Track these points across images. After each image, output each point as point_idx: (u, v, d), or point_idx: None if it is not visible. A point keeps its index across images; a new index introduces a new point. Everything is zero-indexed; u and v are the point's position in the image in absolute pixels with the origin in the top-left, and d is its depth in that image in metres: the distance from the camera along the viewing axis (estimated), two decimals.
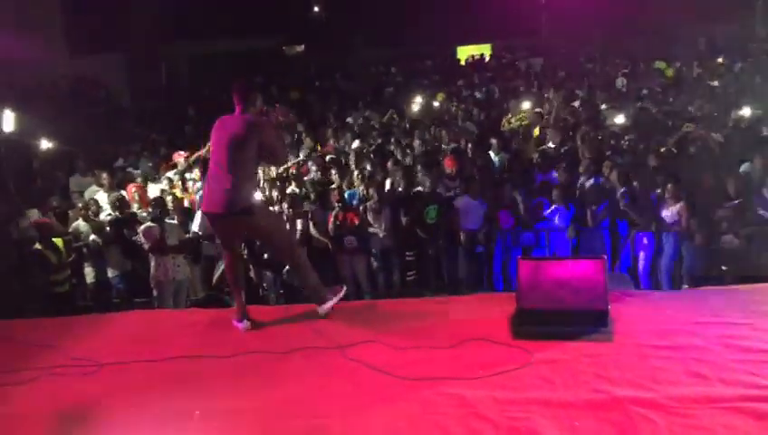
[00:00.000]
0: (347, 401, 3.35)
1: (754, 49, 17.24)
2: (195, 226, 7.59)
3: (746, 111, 9.83)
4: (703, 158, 8.03)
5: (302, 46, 31.06)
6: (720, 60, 15.69)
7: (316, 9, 31.92)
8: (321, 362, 3.79)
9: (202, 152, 8.58)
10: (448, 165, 8.39)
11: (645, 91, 12.77)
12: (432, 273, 7.35)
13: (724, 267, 6.55)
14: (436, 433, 3.03)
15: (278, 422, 3.22)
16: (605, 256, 3.99)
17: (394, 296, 7.14)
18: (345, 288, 4.46)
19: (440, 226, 7.30)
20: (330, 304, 4.33)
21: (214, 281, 6.94)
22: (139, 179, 9.46)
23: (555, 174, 7.91)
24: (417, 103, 12.99)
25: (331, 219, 7.13)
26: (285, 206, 7.44)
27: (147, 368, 3.84)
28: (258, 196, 4.38)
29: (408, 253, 7.39)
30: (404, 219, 7.42)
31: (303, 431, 3.13)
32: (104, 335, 4.45)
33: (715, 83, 13.53)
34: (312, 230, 7.28)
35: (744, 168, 7.40)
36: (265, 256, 7.08)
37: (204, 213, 4.37)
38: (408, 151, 9.45)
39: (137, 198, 8.83)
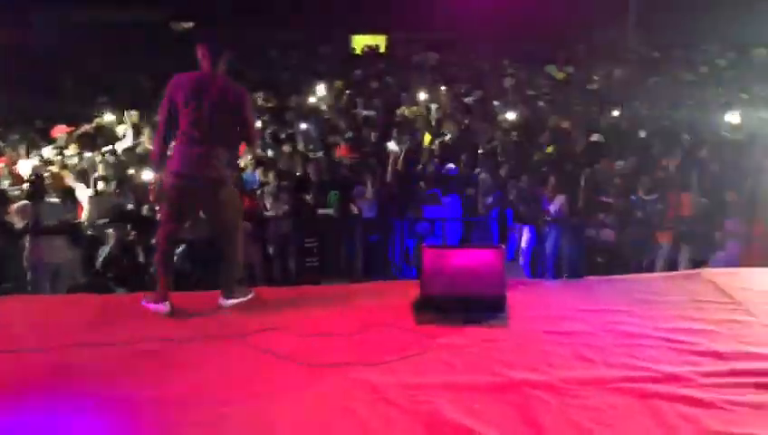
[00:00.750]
0: (252, 389, 3.27)
1: (628, 56, 18.66)
2: (84, 213, 7.06)
3: (616, 113, 10.65)
4: (584, 154, 8.59)
5: (191, 23, 29.76)
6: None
7: None
8: (222, 350, 3.67)
9: (87, 128, 8.02)
10: (343, 153, 8.43)
11: (533, 92, 13.44)
12: (332, 260, 7.32)
13: (599, 259, 7.05)
14: (345, 419, 3.04)
15: (178, 413, 3.08)
16: (504, 246, 4.18)
17: (290, 284, 7.08)
18: (253, 294, 4.31)
19: (340, 212, 7.30)
20: (235, 302, 4.19)
21: (98, 266, 6.51)
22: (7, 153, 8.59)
23: (450, 166, 8.15)
24: (315, 90, 12.92)
25: None
26: None
27: (30, 358, 3.55)
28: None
29: (307, 240, 7.32)
30: (308, 197, 7.30)
31: (206, 422, 3.02)
32: None
33: (594, 87, 14.52)
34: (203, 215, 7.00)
35: (618, 165, 7.97)
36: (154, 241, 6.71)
37: (172, 172, 3.98)
38: (306, 137, 9.36)
39: (6, 173, 8.10)
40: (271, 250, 7.32)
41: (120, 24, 21.32)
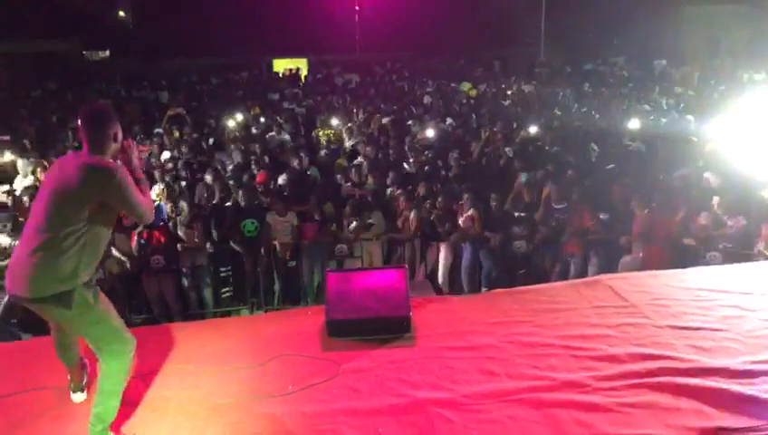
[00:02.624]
0: (151, 430, 3.15)
1: (539, 72, 19.39)
2: None
3: (533, 129, 10.94)
4: (495, 169, 8.77)
5: (107, 52, 29.04)
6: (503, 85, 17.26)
7: (122, 14, 30.06)
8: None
9: None
10: (260, 179, 8.32)
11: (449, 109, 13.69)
12: (248, 289, 7.15)
13: (519, 271, 7.18)
14: None
15: None
16: (406, 265, 4.19)
17: (208, 316, 6.89)
18: None
19: (258, 239, 7.16)
20: None
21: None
22: None
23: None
24: (234, 116, 12.74)
25: (135, 238, 6.65)
26: None
27: None
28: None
29: (222, 268, 7.13)
30: (215, 232, 7.17)
31: None
32: None
33: (507, 102, 14.94)
34: (113, 250, 6.74)
35: (524, 178, 8.12)
36: None
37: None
38: (227, 164, 9.18)
39: None
40: (186, 282, 7.10)
41: (26, 54, 20.64)
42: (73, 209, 2.90)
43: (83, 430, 3.15)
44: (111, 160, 3.03)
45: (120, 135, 3.11)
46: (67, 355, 3.36)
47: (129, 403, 3.38)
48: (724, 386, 3.30)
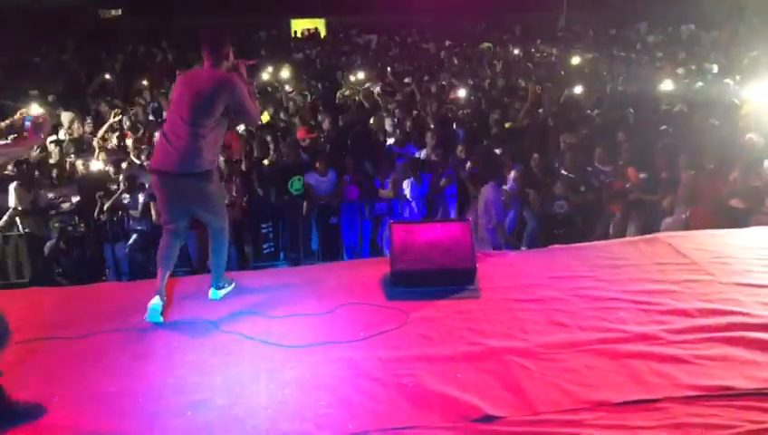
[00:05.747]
0: (230, 373, 3.19)
1: (563, 37, 19.08)
2: (11, 201, 6.68)
3: (578, 90, 10.75)
4: (536, 131, 8.68)
5: (119, 10, 28.64)
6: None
7: None
8: (196, 337, 3.55)
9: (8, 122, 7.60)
10: (301, 135, 8.29)
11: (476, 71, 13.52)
12: (288, 245, 7.16)
13: (556, 231, 7.15)
14: (325, 397, 3.00)
15: (156, 402, 2.98)
16: (470, 219, 4.18)
17: (248, 270, 6.91)
18: (235, 283, 4.17)
19: (304, 197, 7.15)
20: (224, 292, 4.07)
21: (44, 259, 6.19)
22: None
23: (412, 148, 8.12)
24: (267, 73, 12.64)
25: None
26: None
27: None
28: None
29: (263, 224, 7.13)
30: (260, 190, 7.12)
31: (183, 409, 2.93)
32: None
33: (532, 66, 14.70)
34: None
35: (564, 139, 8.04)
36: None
37: (152, 170, 3.86)
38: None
39: None
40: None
41: (40, 10, 20.32)
42: (208, 112, 3.68)
43: (165, 371, 3.22)
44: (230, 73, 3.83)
45: (231, 55, 3.86)
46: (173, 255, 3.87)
47: (205, 346, 3.45)
48: None
